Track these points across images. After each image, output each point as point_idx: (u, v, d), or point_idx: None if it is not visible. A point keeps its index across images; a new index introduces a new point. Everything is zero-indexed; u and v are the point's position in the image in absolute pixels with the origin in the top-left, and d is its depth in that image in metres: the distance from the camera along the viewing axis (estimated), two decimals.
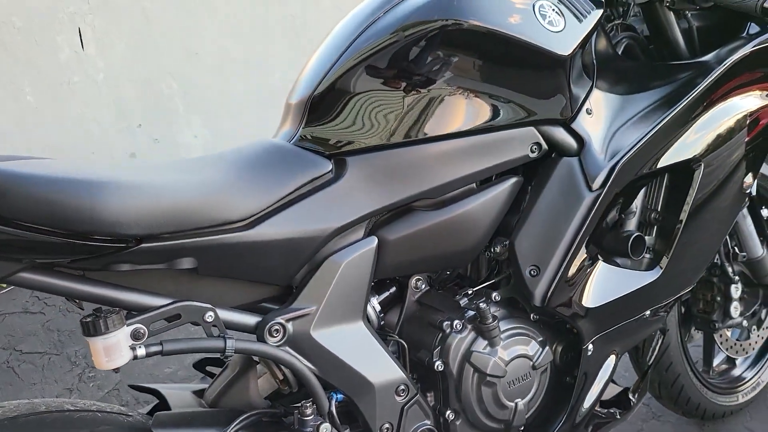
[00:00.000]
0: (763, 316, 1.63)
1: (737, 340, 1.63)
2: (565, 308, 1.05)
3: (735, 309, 1.50)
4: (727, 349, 1.61)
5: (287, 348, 0.91)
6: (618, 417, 1.24)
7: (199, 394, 1.07)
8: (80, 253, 0.76)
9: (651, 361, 1.34)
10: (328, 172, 0.94)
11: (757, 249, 1.49)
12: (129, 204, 0.75)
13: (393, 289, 1.09)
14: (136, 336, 0.79)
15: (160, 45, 2.81)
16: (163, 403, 1.00)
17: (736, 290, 1.48)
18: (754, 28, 1.25)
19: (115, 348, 0.77)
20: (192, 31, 2.88)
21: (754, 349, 1.67)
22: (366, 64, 0.96)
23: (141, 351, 0.79)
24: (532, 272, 1.03)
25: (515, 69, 1.01)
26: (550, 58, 1.00)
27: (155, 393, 1.04)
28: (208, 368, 1.17)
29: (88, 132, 2.68)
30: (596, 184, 1.03)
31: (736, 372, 1.69)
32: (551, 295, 1.02)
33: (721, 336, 1.58)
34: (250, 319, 0.91)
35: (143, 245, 0.78)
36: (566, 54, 1.01)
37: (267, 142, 0.99)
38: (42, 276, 0.77)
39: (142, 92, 2.81)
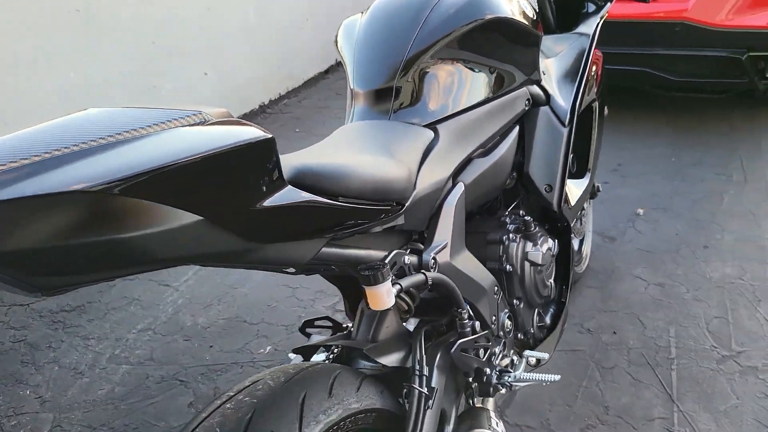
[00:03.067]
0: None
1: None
2: (566, 209, 1.51)
3: (587, 203, 2.16)
4: (575, 235, 2.28)
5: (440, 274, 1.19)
6: None
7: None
8: (374, 218, 0.94)
9: None
10: (434, 138, 1.22)
11: None
12: (406, 175, 0.96)
13: None
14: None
15: None
16: None
17: None
18: (591, 7, 1.85)
19: (389, 291, 0.98)
20: None
21: (583, 231, 2.37)
22: (435, 53, 1.25)
23: (394, 290, 1.00)
24: (546, 189, 1.46)
25: (522, 47, 1.41)
26: (537, 37, 1.42)
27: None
28: (308, 330, 1.35)
29: None
30: (567, 122, 1.50)
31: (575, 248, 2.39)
32: (562, 202, 1.47)
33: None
34: (414, 258, 1.16)
35: (405, 206, 0.99)
36: (542, 33, 1.44)
37: (376, 122, 1.21)
38: (331, 249, 0.93)
39: None
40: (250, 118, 4.24)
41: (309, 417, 0.87)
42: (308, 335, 1.35)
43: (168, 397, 1.96)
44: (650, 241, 2.65)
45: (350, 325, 1.36)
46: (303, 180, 0.84)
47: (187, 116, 0.70)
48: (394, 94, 1.24)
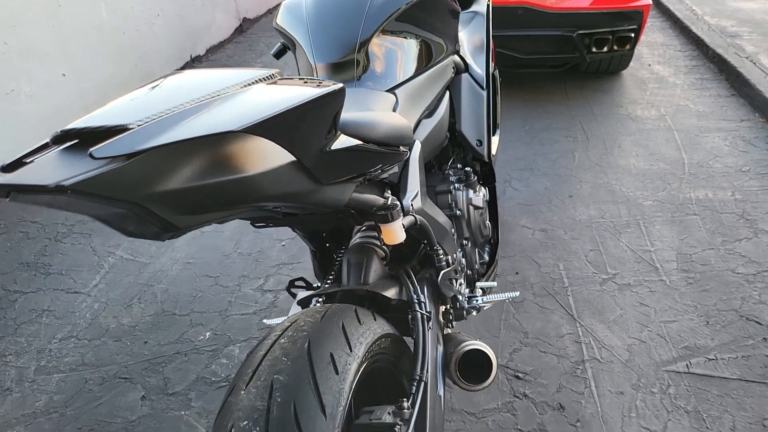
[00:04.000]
0: None
1: None
2: (493, 159, 1.75)
3: None
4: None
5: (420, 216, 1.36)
6: None
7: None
8: (394, 162, 1.08)
9: None
10: (396, 101, 1.39)
11: None
12: (408, 124, 1.12)
13: None
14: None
15: None
16: None
17: None
18: None
19: (401, 227, 1.14)
20: None
21: None
22: (384, 28, 1.42)
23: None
24: (477, 144, 1.68)
25: (449, 20, 1.61)
26: (458, 12, 1.63)
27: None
28: (293, 290, 1.46)
29: None
30: (484, 85, 1.74)
31: None
32: (491, 153, 1.70)
33: None
34: (397, 203, 1.32)
35: (406, 152, 1.14)
36: (461, 10, 1.66)
37: (352, 90, 1.35)
38: (355, 194, 1.06)
39: None
40: None
41: (353, 339, 1.00)
42: (294, 294, 1.45)
43: (115, 395, 1.92)
44: (526, 196, 3.03)
45: (318, 284, 1.49)
46: (345, 129, 0.97)
47: (269, 75, 0.82)
48: (355, 65, 1.38)
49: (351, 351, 0.97)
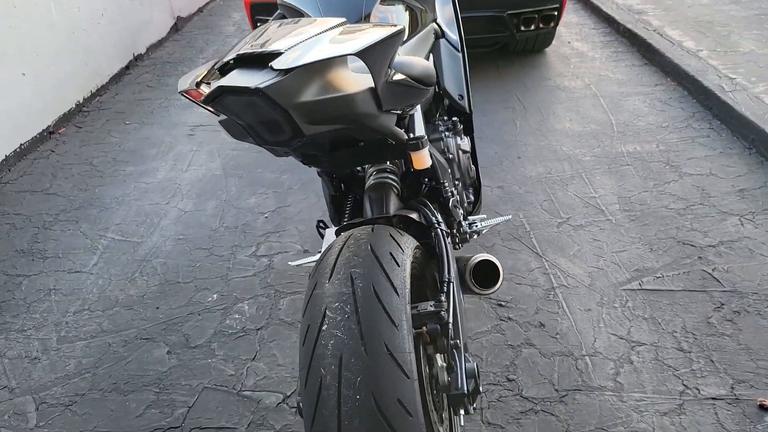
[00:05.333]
0: None
1: None
2: (473, 112, 2.02)
3: None
4: None
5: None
6: None
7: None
8: (424, 97, 1.32)
9: None
10: None
11: None
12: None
13: None
14: None
15: None
16: None
17: None
18: None
19: (428, 154, 1.39)
20: None
21: None
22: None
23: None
24: (459, 98, 1.95)
25: None
26: None
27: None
28: (320, 230, 1.68)
29: None
30: (459, 49, 2.01)
31: None
32: (472, 106, 1.97)
33: None
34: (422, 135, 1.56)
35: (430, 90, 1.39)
36: None
37: None
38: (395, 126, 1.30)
39: None
40: (68, 117, 4.07)
41: (401, 244, 1.24)
42: (322, 235, 1.67)
43: (141, 353, 2.07)
44: (479, 160, 3.34)
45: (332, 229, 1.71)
46: (395, 67, 1.20)
47: (343, 21, 1.06)
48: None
49: (403, 251, 1.21)
